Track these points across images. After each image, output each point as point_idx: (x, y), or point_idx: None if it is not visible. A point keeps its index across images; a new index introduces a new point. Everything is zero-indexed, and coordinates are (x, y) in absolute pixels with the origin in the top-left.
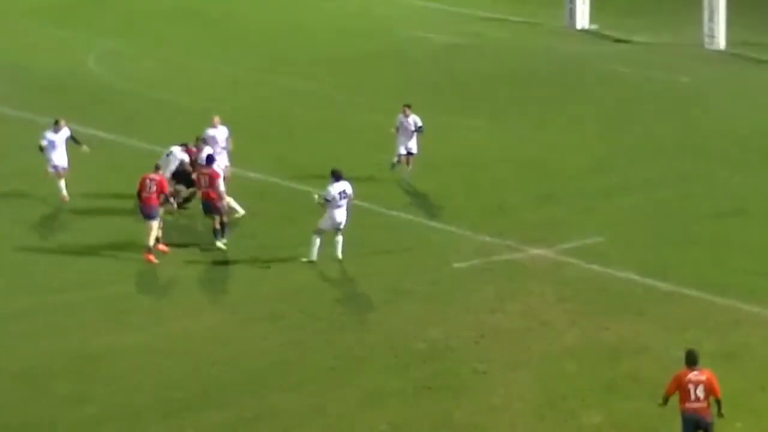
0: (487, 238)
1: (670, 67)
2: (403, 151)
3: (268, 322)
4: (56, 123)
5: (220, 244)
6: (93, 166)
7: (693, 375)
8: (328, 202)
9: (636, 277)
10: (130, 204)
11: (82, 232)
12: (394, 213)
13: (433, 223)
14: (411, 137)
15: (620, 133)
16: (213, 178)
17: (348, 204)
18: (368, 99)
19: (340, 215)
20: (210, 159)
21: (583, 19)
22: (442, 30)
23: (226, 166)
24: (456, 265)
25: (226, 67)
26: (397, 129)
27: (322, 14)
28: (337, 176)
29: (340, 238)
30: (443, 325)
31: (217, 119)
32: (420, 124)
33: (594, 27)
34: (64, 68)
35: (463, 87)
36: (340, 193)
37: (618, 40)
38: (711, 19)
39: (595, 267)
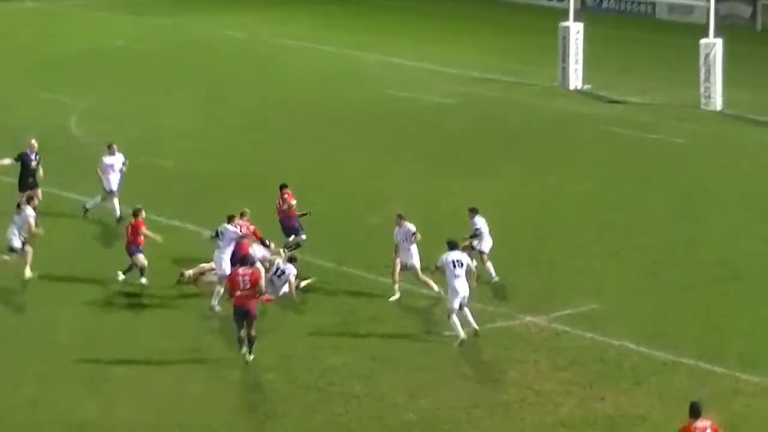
0: (478, 305)
1: (665, 127)
2: (399, 266)
3: (254, 392)
4: (109, 147)
5: (247, 355)
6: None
7: (699, 424)
8: (438, 269)
9: (632, 346)
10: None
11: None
12: (381, 278)
13: (422, 289)
14: (409, 249)
15: (615, 194)
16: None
17: (467, 274)
18: (358, 160)
19: (462, 287)
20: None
21: (576, 79)
22: (430, 90)
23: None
24: (447, 333)
25: (207, 125)
26: (396, 248)
27: (309, 72)
28: (451, 246)
29: (467, 311)
30: (433, 395)
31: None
32: (414, 230)
33: (587, 87)
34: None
35: (452, 146)
36: (454, 262)
37: (612, 101)
38: (707, 79)
39: (590, 335)
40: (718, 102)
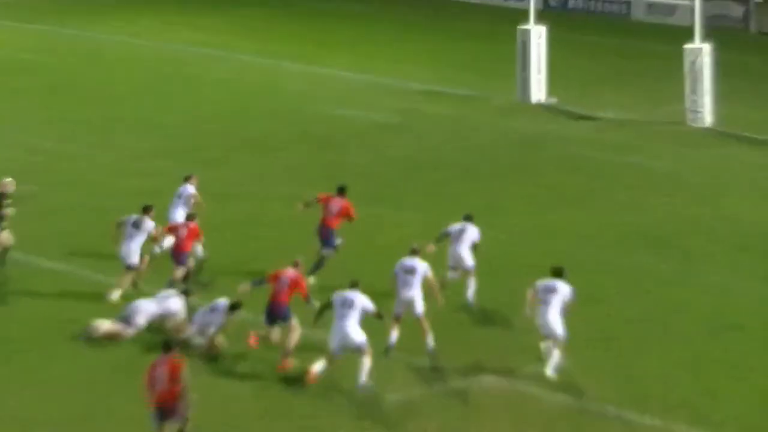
0: (428, 362)
1: (646, 149)
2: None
3: None
4: (187, 179)
5: None
6: None
7: None
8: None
9: (612, 409)
10: None
11: None
12: (306, 331)
13: None
14: (412, 288)
15: (584, 228)
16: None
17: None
18: (280, 188)
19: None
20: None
21: (538, 91)
22: (370, 106)
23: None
24: (390, 396)
25: (111, 153)
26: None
27: (224, 86)
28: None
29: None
30: None
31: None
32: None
33: (552, 101)
34: None
35: (396, 173)
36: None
37: (581, 117)
38: (693, 90)
39: (562, 397)
40: (707, 118)
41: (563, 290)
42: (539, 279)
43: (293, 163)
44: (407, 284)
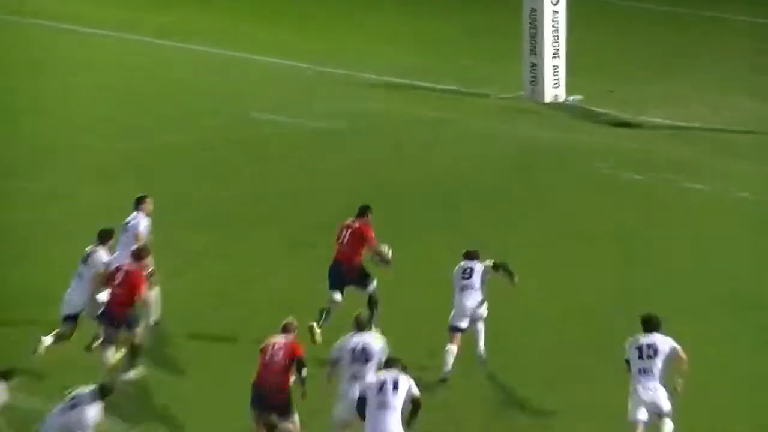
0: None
1: (699, 170)
2: None
3: None
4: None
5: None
6: None
7: None
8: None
9: None
10: None
11: None
12: None
13: None
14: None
15: (629, 283)
16: None
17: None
18: (178, 218)
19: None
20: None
21: (555, 85)
22: (307, 107)
23: None
24: None
25: None
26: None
27: (106, 77)
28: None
29: None
30: None
31: None
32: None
33: (574, 99)
34: None
35: (346, 202)
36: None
37: (620, 123)
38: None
39: None
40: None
41: (663, 345)
42: (631, 337)
43: (181, 190)
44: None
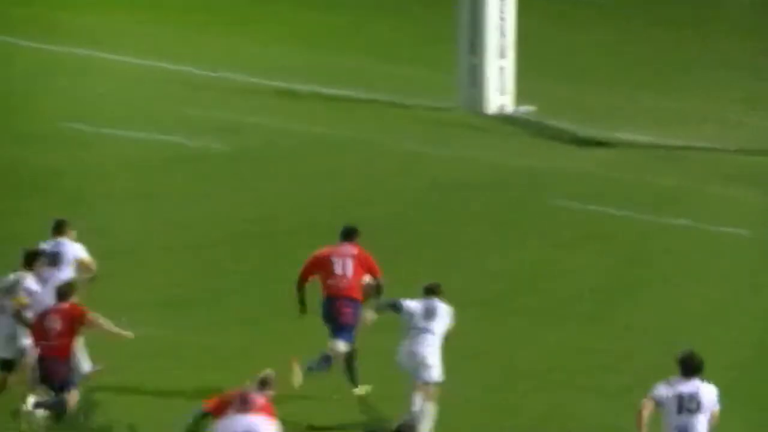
0: None
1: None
2: None
3: None
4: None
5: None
6: None
7: None
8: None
9: None
10: None
11: None
12: None
13: None
14: None
15: (604, 358)
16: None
17: None
18: None
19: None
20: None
21: (500, 93)
22: (176, 121)
23: None
24: None
25: None
26: None
27: None
28: None
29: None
30: None
31: None
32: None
33: (527, 110)
34: None
35: (227, 245)
36: None
37: (585, 142)
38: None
39: None
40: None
41: (708, 396)
42: (666, 380)
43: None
44: None
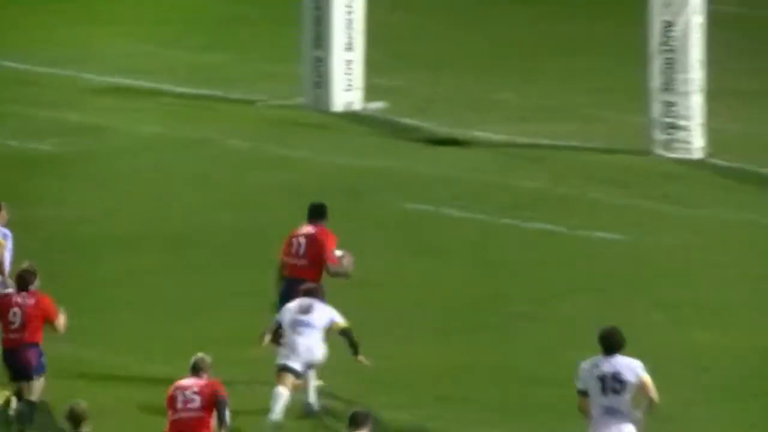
0: None
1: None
2: None
3: None
4: None
5: None
6: None
7: None
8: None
9: None
10: None
11: None
12: None
13: None
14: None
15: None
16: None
17: None
18: None
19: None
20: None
21: (350, 88)
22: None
23: None
24: None
25: None
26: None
27: None
28: None
29: None
30: None
31: None
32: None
33: (377, 107)
34: None
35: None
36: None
37: (443, 141)
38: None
39: None
40: (696, 140)
41: (630, 372)
42: (587, 361)
43: None
44: None
